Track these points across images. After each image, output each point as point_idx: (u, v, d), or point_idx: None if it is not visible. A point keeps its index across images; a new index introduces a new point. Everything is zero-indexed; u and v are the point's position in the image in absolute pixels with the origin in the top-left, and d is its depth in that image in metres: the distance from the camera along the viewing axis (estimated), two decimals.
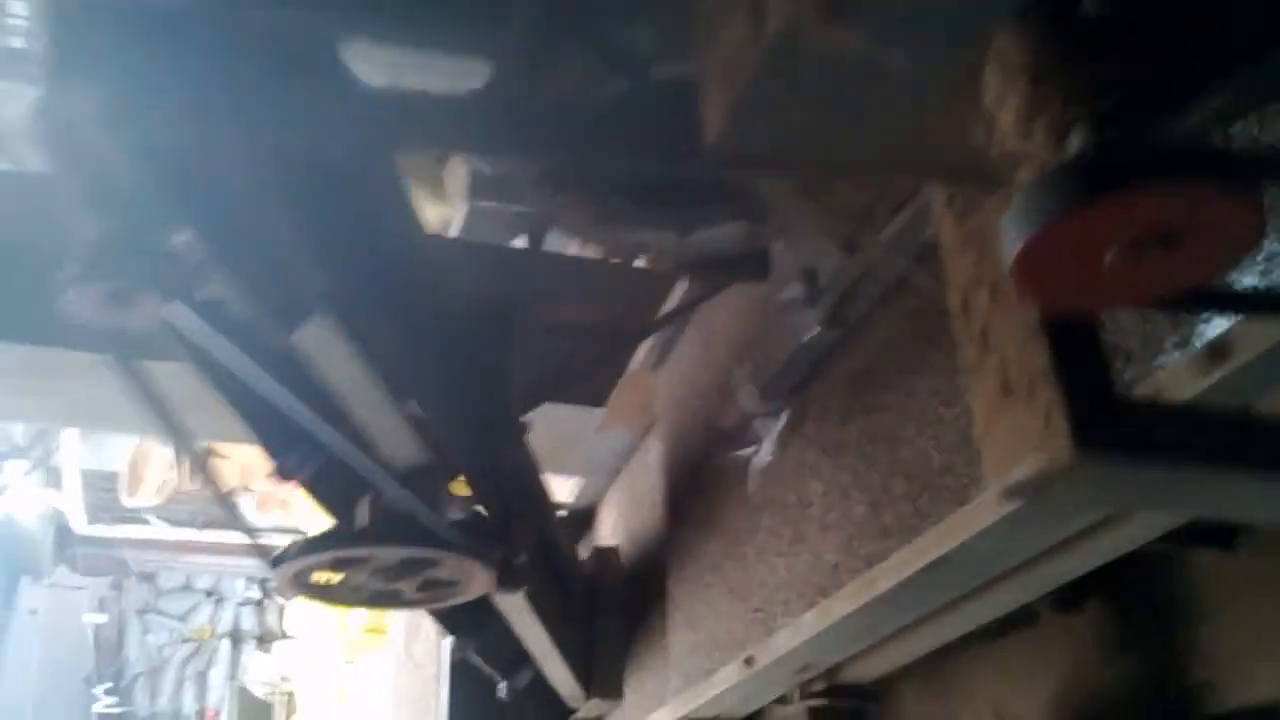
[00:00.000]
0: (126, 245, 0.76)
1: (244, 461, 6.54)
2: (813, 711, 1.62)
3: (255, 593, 10.40)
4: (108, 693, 9.19)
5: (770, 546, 1.53)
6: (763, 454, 1.54)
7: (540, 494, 1.81)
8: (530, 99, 0.75)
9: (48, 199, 2.23)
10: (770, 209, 0.97)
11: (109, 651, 10.01)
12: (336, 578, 1.34)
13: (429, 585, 1.36)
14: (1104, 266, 0.53)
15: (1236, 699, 1.48)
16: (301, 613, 6.51)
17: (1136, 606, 1.60)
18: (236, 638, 10.28)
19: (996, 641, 1.98)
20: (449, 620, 2.01)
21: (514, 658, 2.36)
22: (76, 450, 7.51)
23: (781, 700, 1.63)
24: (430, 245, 1.35)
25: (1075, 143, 0.52)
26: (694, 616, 1.79)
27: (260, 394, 1.16)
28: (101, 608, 9.82)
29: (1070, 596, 1.54)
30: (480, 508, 1.46)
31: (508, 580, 1.41)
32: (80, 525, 8.06)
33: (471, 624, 2.06)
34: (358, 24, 0.89)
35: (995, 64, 0.54)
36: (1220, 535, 1.47)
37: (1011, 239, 0.52)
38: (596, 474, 2.59)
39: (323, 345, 1.00)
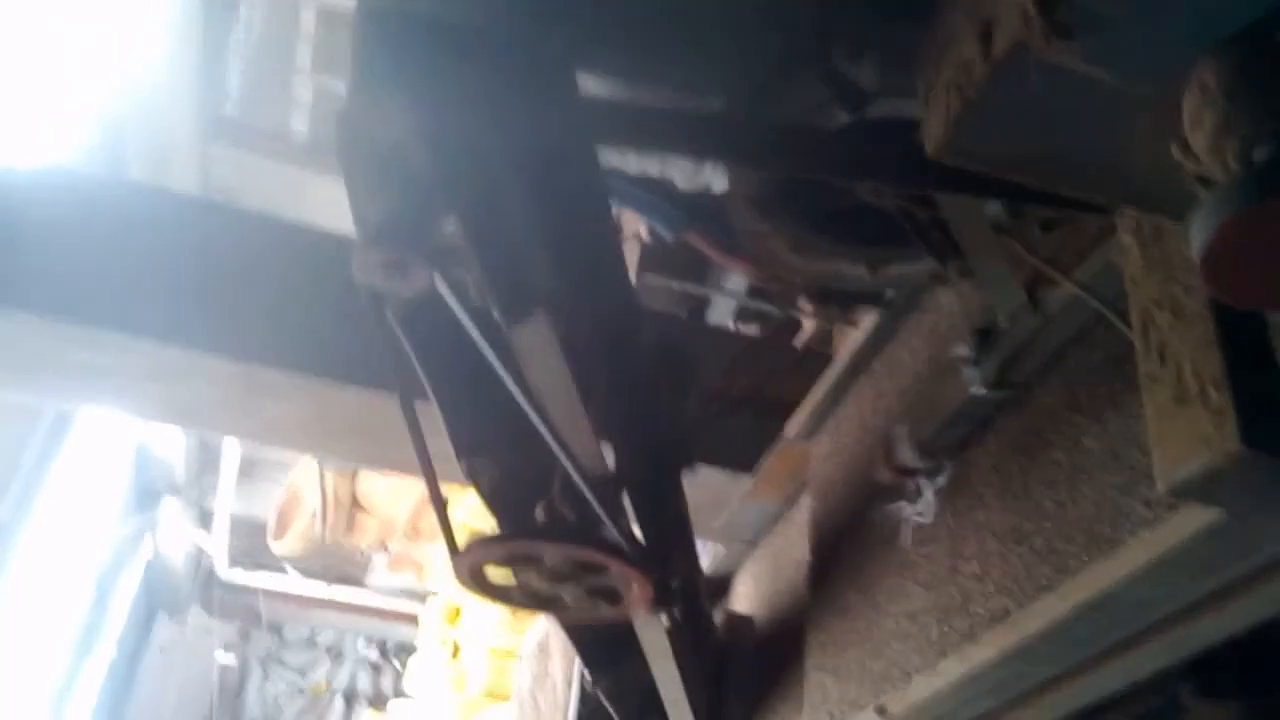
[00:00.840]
0: (406, 223, 0.90)
1: (385, 517, 6.79)
2: None
3: (374, 653, 10.60)
4: None
5: (918, 602, 1.57)
6: (919, 509, 1.59)
7: (691, 537, 1.89)
8: (759, 120, 0.86)
9: (269, 232, 2.44)
10: (960, 249, 1.06)
11: (230, 695, 10.30)
12: (507, 575, 1.44)
13: (590, 593, 1.45)
14: None
15: None
16: (418, 675, 6.64)
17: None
18: (351, 696, 10.46)
19: None
20: (589, 652, 2.09)
21: (642, 708, 2.41)
22: (230, 494, 7.90)
23: None
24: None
25: (1261, 155, 0.59)
26: (829, 676, 1.82)
27: (469, 389, 1.29)
28: (228, 652, 10.14)
29: (1214, 686, 1.53)
30: (639, 533, 1.55)
31: (662, 599, 1.49)
32: (222, 569, 8.43)
33: (609, 660, 2.14)
34: (595, 60, 1.02)
35: (1195, 88, 0.62)
36: None
37: (1201, 232, 0.60)
38: (736, 542, 2.65)
39: (538, 342, 1.12)
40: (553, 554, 1.35)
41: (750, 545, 2.63)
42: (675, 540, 1.64)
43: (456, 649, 6.32)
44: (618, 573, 1.38)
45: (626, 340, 1.47)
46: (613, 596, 1.45)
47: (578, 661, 2.75)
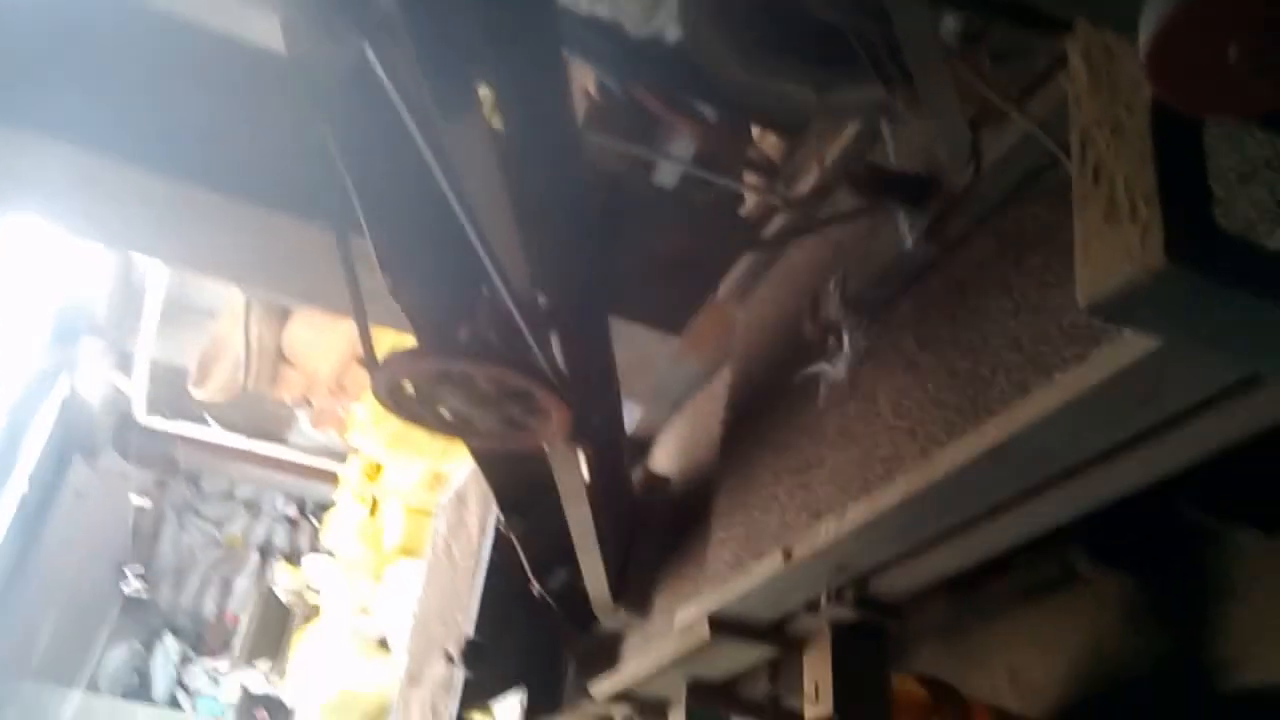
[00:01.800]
0: None
1: (310, 371, 6.73)
2: (835, 625, 1.69)
3: (292, 510, 10.64)
4: (137, 576, 9.45)
5: (829, 452, 1.60)
6: (839, 365, 1.61)
7: (615, 380, 1.90)
8: None
9: (210, 45, 2.31)
10: (909, 76, 1.04)
11: (144, 542, 10.29)
12: (424, 394, 1.43)
13: (509, 421, 1.45)
14: (1229, 65, 0.60)
15: (1258, 678, 1.52)
16: (335, 531, 6.67)
17: (1171, 579, 1.64)
18: (266, 551, 10.52)
19: (1021, 606, 2.03)
20: (505, 494, 2.10)
21: (553, 556, 2.45)
22: (152, 338, 7.75)
23: (811, 609, 1.70)
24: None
25: None
26: (737, 524, 1.86)
27: (396, 193, 1.25)
28: (145, 499, 10.10)
29: (1107, 555, 1.59)
30: (563, 366, 1.55)
31: (582, 430, 1.49)
32: (140, 414, 8.30)
33: (524, 504, 2.15)
34: None
35: None
36: (1266, 519, 1.52)
37: (1148, 24, 0.59)
38: (659, 404, 2.67)
39: (473, 144, 1.09)
40: (476, 373, 1.34)
41: (673, 408, 2.64)
42: (598, 380, 1.63)
43: (375, 506, 6.36)
44: (540, 398, 1.37)
45: (566, 171, 1.44)
46: (529, 425, 1.45)
47: (494, 509, 2.78)
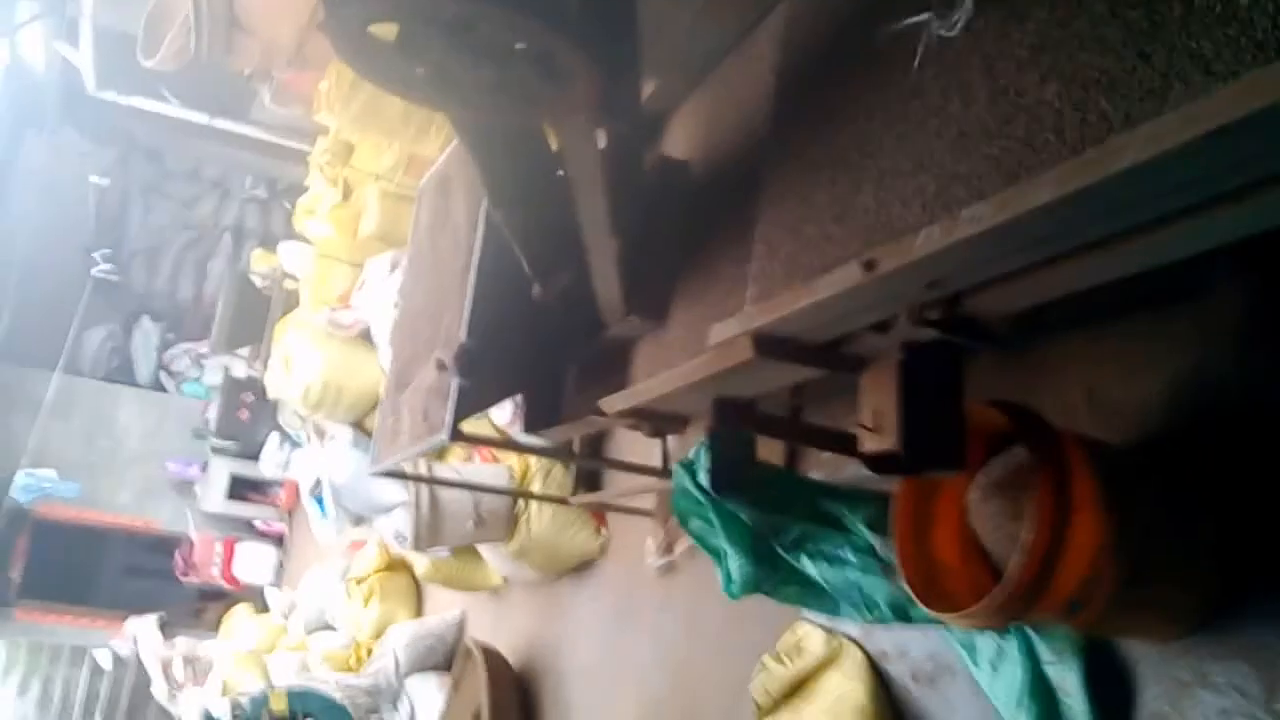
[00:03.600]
0: None
1: (267, 39, 6.12)
2: (911, 345, 1.40)
3: (262, 192, 10.24)
4: (104, 258, 9.18)
5: (920, 145, 1.25)
6: (947, 20, 1.23)
7: (639, 47, 1.51)
8: None
9: None
10: None
11: (109, 222, 9.93)
12: (406, 43, 1.05)
13: (514, 88, 1.08)
14: None
15: None
16: (307, 217, 6.32)
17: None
18: (239, 234, 10.21)
19: (1107, 325, 1.76)
20: (500, 180, 1.75)
21: (553, 254, 2.13)
22: (93, 4, 7.02)
23: (880, 329, 1.41)
24: None
25: None
26: (787, 230, 1.53)
27: None
28: (106, 176, 9.66)
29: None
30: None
31: (609, 104, 1.13)
32: (91, 86, 7.68)
33: (522, 193, 1.81)
34: None
35: None
36: None
37: None
38: (676, 74, 2.26)
39: None
40: (482, 16, 0.96)
41: (693, 81, 2.25)
42: (624, 28, 1.25)
43: (348, 190, 5.97)
44: (563, 58, 1.00)
45: None
46: (545, 92, 1.09)
47: (485, 199, 2.43)
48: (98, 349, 9.54)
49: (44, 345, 8.76)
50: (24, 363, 8.80)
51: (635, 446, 3.36)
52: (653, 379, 1.91)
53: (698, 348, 1.92)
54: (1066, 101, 1.03)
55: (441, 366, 2.31)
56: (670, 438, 3.05)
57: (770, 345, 1.48)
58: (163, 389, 9.54)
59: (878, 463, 1.49)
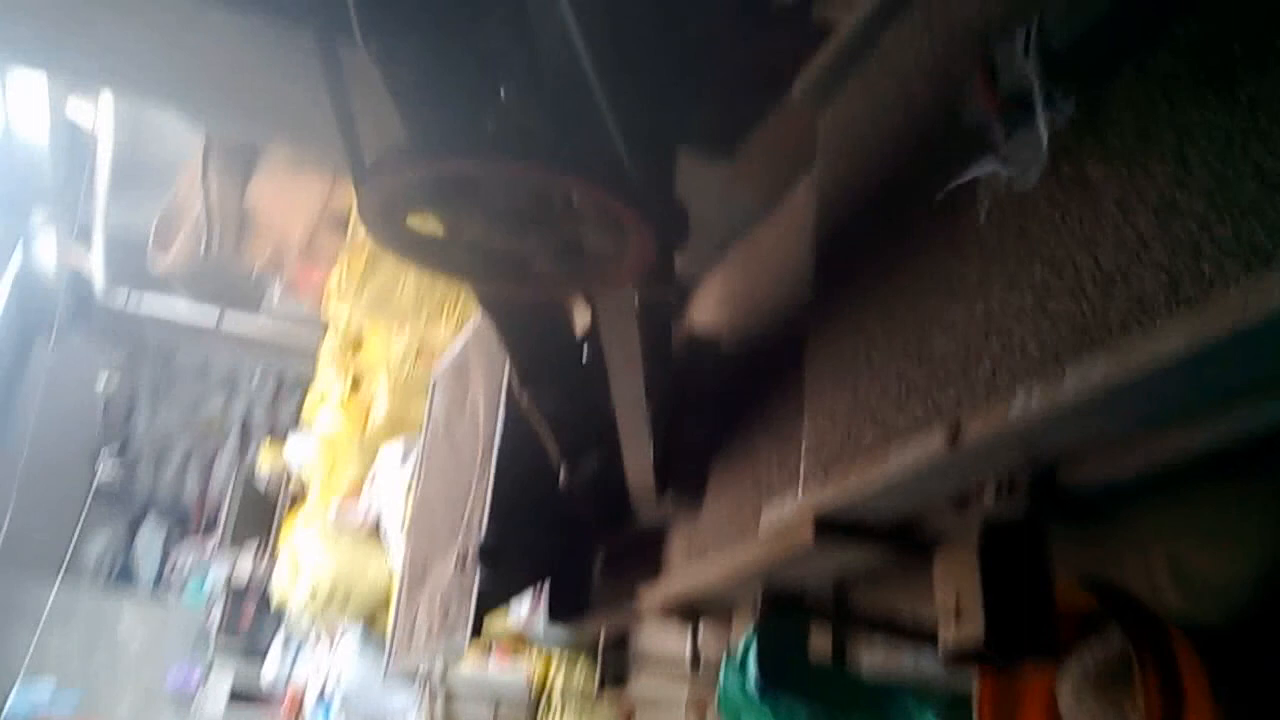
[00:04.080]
0: None
1: (278, 234, 6.18)
2: (994, 521, 1.26)
3: (270, 386, 10.23)
4: (111, 461, 9.08)
5: (1001, 296, 1.14)
6: (1018, 163, 1.14)
7: (684, 212, 1.42)
8: None
9: None
10: None
11: (116, 426, 9.88)
12: (438, 223, 0.96)
13: (567, 252, 0.97)
14: None
15: None
16: (316, 408, 6.24)
17: None
18: (247, 429, 10.15)
19: (1189, 489, 1.61)
20: (528, 361, 1.64)
21: (584, 437, 2.01)
22: (104, 205, 7.14)
23: (959, 504, 1.27)
24: None
25: None
26: (850, 395, 1.41)
27: None
28: (114, 380, 9.66)
29: None
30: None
31: (663, 266, 1.03)
32: (102, 290, 7.75)
33: (552, 372, 1.70)
34: None
35: None
36: None
37: None
38: (701, 245, 2.19)
39: None
40: (526, 180, 0.86)
41: (718, 250, 2.17)
42: (667, 178, 1.15)
43: (358, 381, 5.90)
44: (617, 218, 0.90)
45: None
46: (599, 257, 0.98)
47: (505, 383, 2.33)
48: (100, 554, 9.34)
49: (46, 552, 8.56)
50: (25, 570, 8.58)
51: (666, 636, 3.16)
52: (692, 568, 1.76)
53: (741, 532, 1.78)
54: (1181, 254, 0.92)
55: (464, 561, 2.15)
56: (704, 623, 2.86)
57: (832, 529, 1.33)
58: (166, 592, 9.29)
59: (958, 653, 1.33)
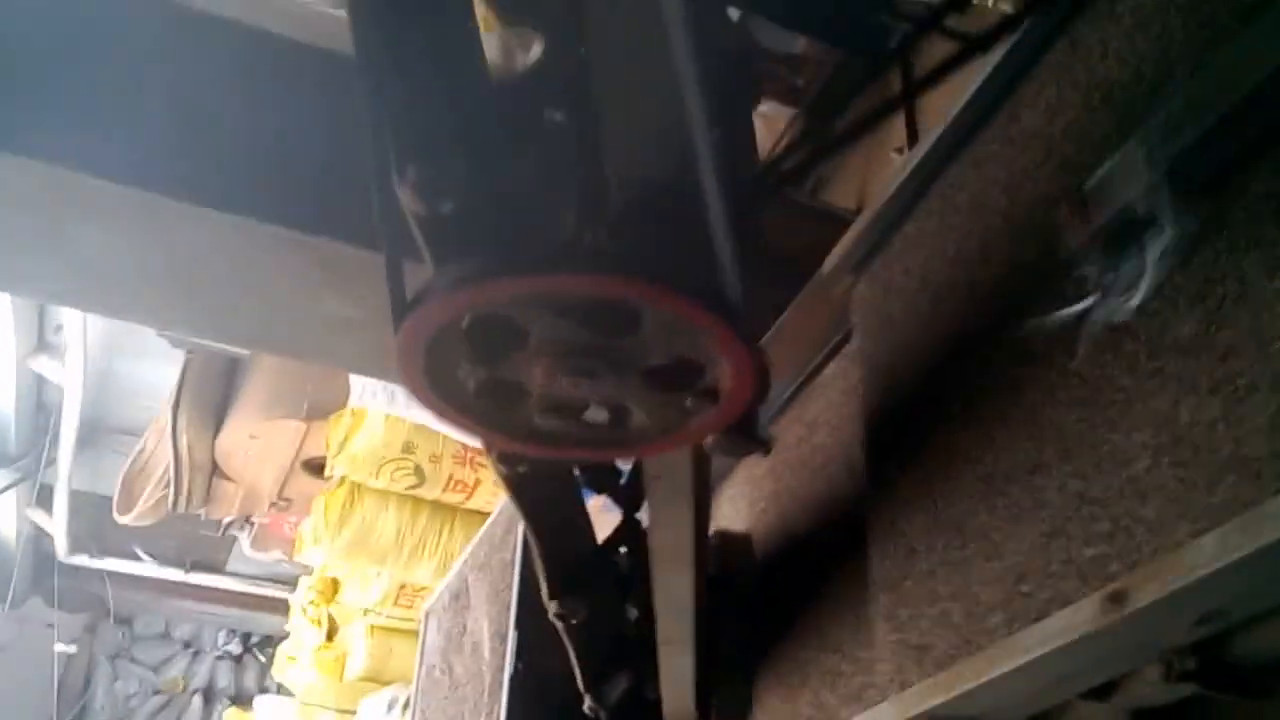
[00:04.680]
0: None
1: (250, 483, 5.97)
2: (1143, 712, 1.06)
3: (235, 647, 9.76)
4: None
5: (1120, 445, 0.99)
6: (1120, 296, 1.01)
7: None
8: None
9: None
10: None
11: (73, 694, 9.31)
12: (487, 372, 0.80)
13: (645, 391, 0.80)
14: None
15: None
16: (288, 663, 5.86)
17: None
18: (210, 695, 9.59)
19: None
20: (560, 570, 1.44)
21: (611, 657, 1.79)
22: (68, 466, 6.92)
23: (1099, 692, 1.07)
24: None
25: None
26: (927, 586, 1.23)
27: None
28: (72, 647, 9.16)
29: None
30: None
31: (748, 426, 0.87)
32: (64, 553, 7.42)
33: (586, 585, 1.50)
34: None
35: None
36: None
37: None
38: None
39: None
40: (589, 295, 0.71)
41: None
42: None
43: (333, 629, 5.56)
44: (722, 349, 0.75)
45: None
46: (699, 404, 0.82)
47: (514, 607, 2.11)
48: None
49: None
50: None
51: None
52: None
53: None
54: None
55: None
56: None
57: None
58: None
59: None
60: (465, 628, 2.48)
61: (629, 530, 1.52)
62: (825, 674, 1.53)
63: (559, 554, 1.40)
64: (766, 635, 1.77)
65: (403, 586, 5.18)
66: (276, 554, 6.63)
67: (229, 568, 7.82)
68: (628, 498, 1.50)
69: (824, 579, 1.62)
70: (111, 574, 7.75)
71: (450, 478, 4.60)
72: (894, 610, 1.27)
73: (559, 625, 1.55)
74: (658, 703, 1.83)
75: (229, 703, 8.93)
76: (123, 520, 6.24)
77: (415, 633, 5.05)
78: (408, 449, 4.53)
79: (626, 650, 1.76)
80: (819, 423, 1.77)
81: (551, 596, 1.47)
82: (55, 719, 8.64)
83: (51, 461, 7.06)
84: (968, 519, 1.17)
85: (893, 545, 1.32)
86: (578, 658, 1.68)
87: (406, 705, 4.07)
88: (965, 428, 1.24)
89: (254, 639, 9.57)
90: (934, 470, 1.28)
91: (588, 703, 1.84)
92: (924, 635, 1.19)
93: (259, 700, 6.72)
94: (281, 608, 6.50)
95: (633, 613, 1.65)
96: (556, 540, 1.41)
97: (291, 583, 6.52)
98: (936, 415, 1.30)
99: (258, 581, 7.76)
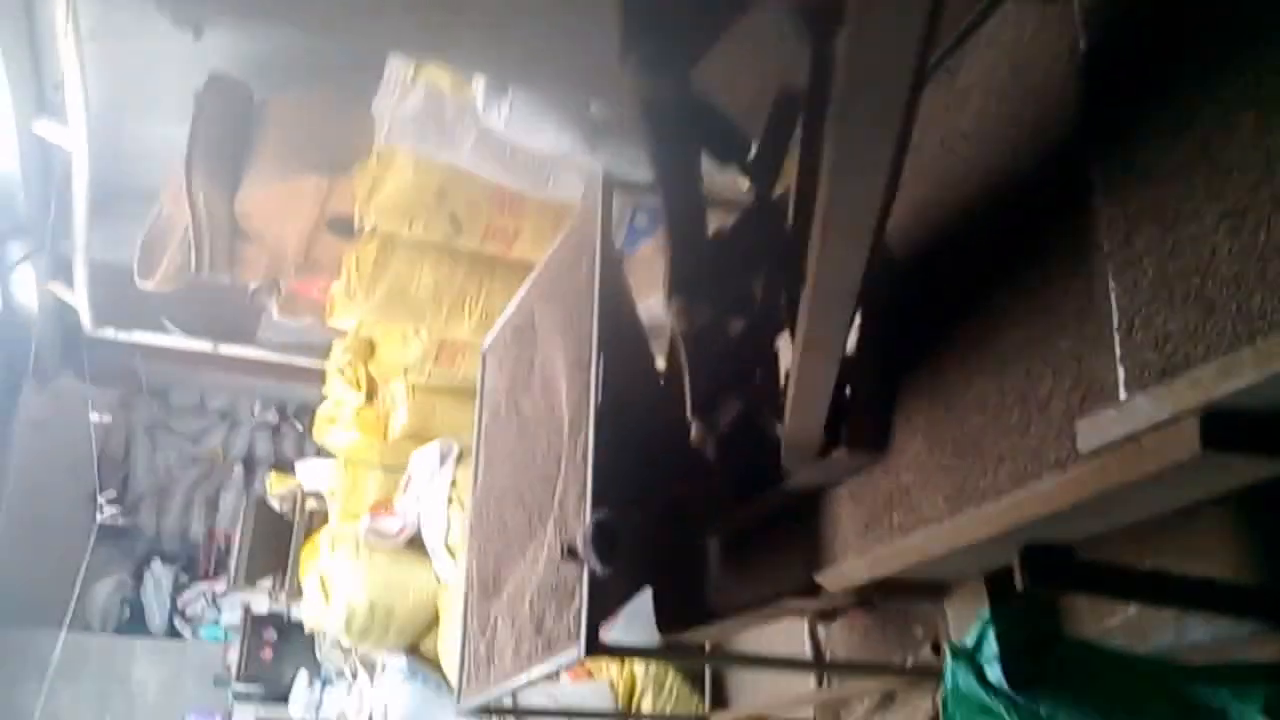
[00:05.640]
0: None
1: (273, 244, 5.70)
2: None
3: (272, 417, 9.79)
4: (110, 503, 8.61)
5: None
6: None
7: None
8: None
9: None
10: None
11: (113, 466, 9.42)
12: None
13: None
14: None
15: None
16: (328, 428, 5.76)
17: None
18: (250, 463, 9.70)
19: None
20: (689, 263, 1.17)
21: (724, 374, 1.55)
22: (84, 234, 6.65)
23: None
24: None
25: None
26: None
27: None
28: (108, 419, 9.21)
29: None
30: None
31: None
32: (89, 326, 7.25)
33: (710, 282, 1.23)
34: None
35: None
36: None
37: None
38: None
39: None
40: None
41: None
42: None
43: (372, 390, 5.41)
44: None
45: None
46: None
47: (595, 334, 1.86)
48: (106, 601, 8.86)
49: (49, 604, 8.07)
50: (26, 625, 8.09)
51: (773, 637, 2.68)
52: (935, 529, 1.29)
53: (954, 488, 1.31)
54: None
55: (570, 553, 1.68)
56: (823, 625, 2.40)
57: (1228, 429, 0.86)
58: (179, 636, 8.81)
59: None
60: (533, 364, 2.25)
61: (760, 215, 1.24)
62: (1004, 388, 1.28)
63: (689, 239, 1.12)
64: (913, 352, 1.52)
65: (442, 344, 4.99)
66: (307, 320, 6.44)
67: (259, 339, 7.68)
68: (758, 170, 1.21)
69: (997, 282, 1.36)
70: (142, 347, 7.62)
71: (488, 225, 4.30)
72: (1132, 284, 1.00)
73: (677, 329, 1.29)
74: (769, 435, 1.61)
75: (269, 470, 9.02)
76: (145, 286, 6.02)
77: (458, 391, 4.90)
78: (441, 194, 4.22)
79: (742, 374, 1.52)
80: (972, 89, 1.46)
81: (672, 293, 1.20)
82: (99, 490, 8.76)
83: (68, 233, 6.80)
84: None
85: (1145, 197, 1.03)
86: (690, 372, 1.44)
87: (460, 456, 3.94)
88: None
89: (290, 408, 9.60)
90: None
91: (695, 429, 1.61)
92: (1158, 333, 0.92)
93: (300, 464, 6.71)
94: (315, 378, 6.39)
95: (756, 327, 1.40)
96: (681, 226, 1.13)
97: (324, 352, 6.37)
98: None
99: (289, 352, 7.63)
